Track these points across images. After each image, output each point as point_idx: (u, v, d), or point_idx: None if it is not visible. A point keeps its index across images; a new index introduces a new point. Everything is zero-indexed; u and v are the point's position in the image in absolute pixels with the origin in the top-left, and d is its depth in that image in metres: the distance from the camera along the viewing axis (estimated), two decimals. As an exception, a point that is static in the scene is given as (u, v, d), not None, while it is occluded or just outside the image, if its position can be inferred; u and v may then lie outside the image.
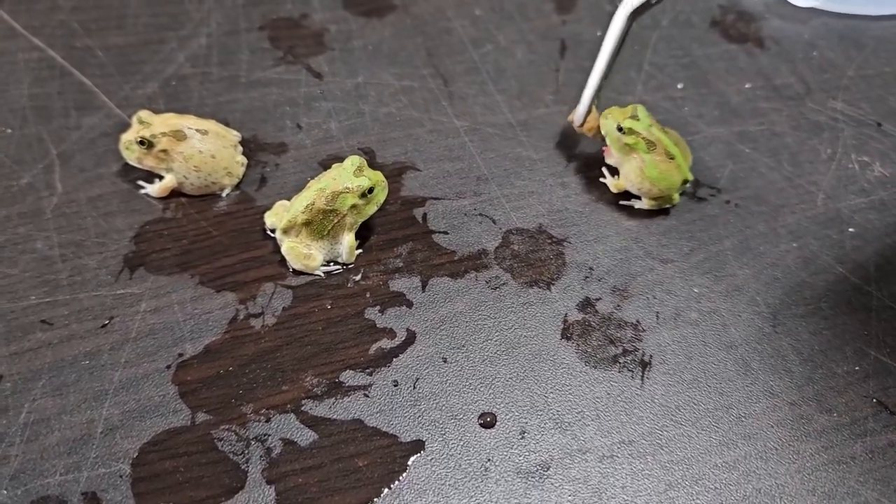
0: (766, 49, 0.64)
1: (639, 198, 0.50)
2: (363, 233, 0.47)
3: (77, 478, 0.37)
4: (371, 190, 0.44)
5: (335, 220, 0.44)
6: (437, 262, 0.47)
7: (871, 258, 0.49)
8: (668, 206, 0.50)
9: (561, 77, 0.59)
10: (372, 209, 0.46)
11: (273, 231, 0.47)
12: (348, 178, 0.44)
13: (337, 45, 0.60)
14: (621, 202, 0.51)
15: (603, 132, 0.49)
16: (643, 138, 0.47)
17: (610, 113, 0.49)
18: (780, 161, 0.55)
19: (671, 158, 0.48)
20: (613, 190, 0.51)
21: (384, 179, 0.45)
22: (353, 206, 0.44)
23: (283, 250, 0.45)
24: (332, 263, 0.46)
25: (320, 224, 0.44)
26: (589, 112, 0.51)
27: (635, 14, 0.44)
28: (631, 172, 0.49)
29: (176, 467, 0.38)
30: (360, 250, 0.47)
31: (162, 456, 0.38)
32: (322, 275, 0.46)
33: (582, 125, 0.51)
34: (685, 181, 0.49)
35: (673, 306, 0.46)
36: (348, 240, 0.45)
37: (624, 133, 0.48)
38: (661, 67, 0.60)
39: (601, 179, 0.52)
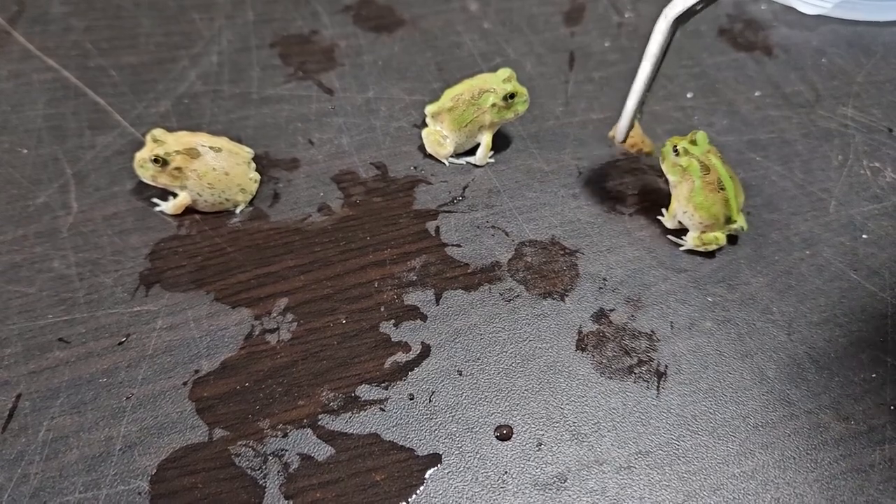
0: (775, 57, 0.64)
1: (685, 235, 0.49)
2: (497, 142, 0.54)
3: (96, 495, 0.37)
4: (513, 96, 0.50)
5: (475, 115, 0.51)
6: (450, 274, 0.47)
7: (885, 264, 0.49)
8: (714, 248, 0.48)
9: (570, 89, 0.59)
10: (509, 115, 0.51)
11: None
12: (496, 81, 0.51)
13: (347, 61, 0.60)
14: (670, 237, 0.50)
15: (661, 156, 0.49)
16: (697, 161, 0.47)
17: (671, 140, 0.48)
18: (791, 168, 0.55)
19: (721, 189, 0.47)
20: (667, 224, 0.50)
21: (527, 94, 0.51)
22: (494, 105, 0.50)
23: (423, 133, 0.53)
24: (461, 157, 0.53)
25: (461, 115, 0.51)
26: (631, 127, 0.49)
27: (679, 22, 0.41)
28: (680, 195, 0.48)
29: (194, 484, 0.38)
30: (492, 159, 0.53)
31: (180, 473, 0.38)
32: (446, 163, 0.53)
33: (624, 141, 0.50)
34: (732, 220, 0.48)
35: (687, 316, 0.46)
36: (486, 139, 0.52)
37: (678, 155, 0.48)
38: (671, 77, 0.61)
39: (658, 217, 0.51)
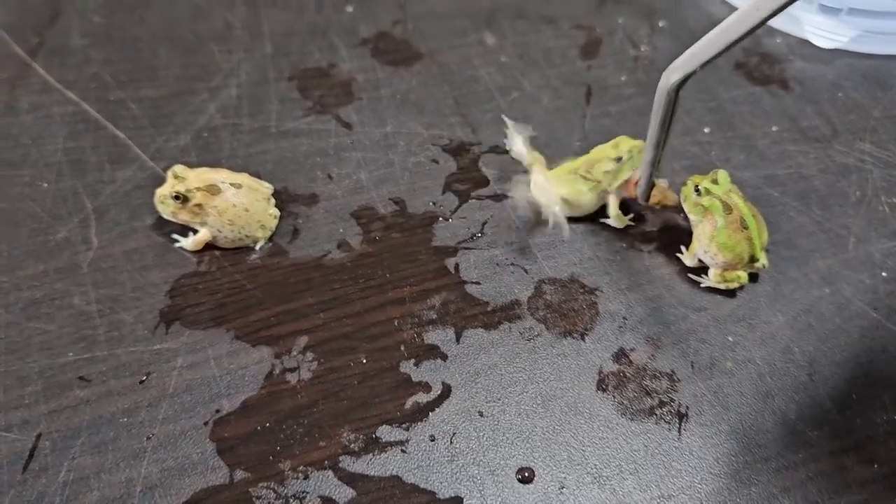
0: (791, 90, 0.64)
1: (706, 272, 0.49)
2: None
3: (117, 538, 0.37)
4: (620, 159, 0.50)
5: (604, 182, 0.50)
6: (470, 312, 0.47)
7: (905, 303, 0.49)
8: (735, 286, 0.48)
9: (587, 123, 0.59)
10: (626, 171, 0.50)
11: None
12: (607, 153, 0.50)
13: (365, 95, 0.60)
14: (690, 275, 0.50)
15: (682, 195, 0.49)
16: (720, 201, 0.47)
17: (693, 179, 0.49)
18: (808, 204, 0.55)
19: (745, 228, 0.47)
20: (687, 262, 0.50)
21: (636, 145, 0.50)
22: (607, 173, 0.50)
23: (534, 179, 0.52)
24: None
25: (573, 188, 0.50)
26: (652, 185, 0.49)
27: (680, 85, 0.41)
28: (703, 235, 0.48)
29: (215, 527, 0.38)
30: (632, 223, 0.52)
31: (201, 515, 0.38)
32: (551, 218, 0.50)
33: (647, 200, 0.50)
34: (755, 259, 0.48)
35: (708, 355, 0.46)
36: (613, 203, 0.51)
37: (700, 194, 0.48)
38: (688, 111, 0.61)
39: (677, 254, 0.51)
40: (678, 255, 0.50)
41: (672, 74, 0.40)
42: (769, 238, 0.51)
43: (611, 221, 0.52)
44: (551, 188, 0.51)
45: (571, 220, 0.51)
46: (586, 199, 0.51)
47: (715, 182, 0.48)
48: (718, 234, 0.47)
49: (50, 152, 0.54)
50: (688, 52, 0.39)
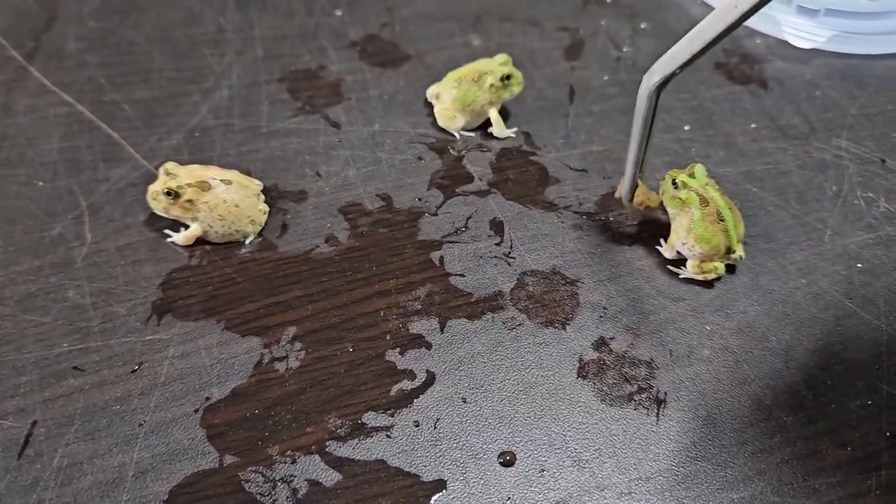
0: (770, 90, 0.65)
1: (685, 264, 0.50)
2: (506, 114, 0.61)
3: (110, 520, 0.38)
4: (509, 77, 0.57)
5: (476, 96, 0.57)
6: (454, 304, 0.48)
7: (880, 293, 0.50)
8: (713, 276, 0.50)
9: (570, 122, 0.61)
10: (506, 94, 0.58)
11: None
12: (494, 64, 0.58)
13: (353, 95, 0.62)
14: (669, 266, 0.51)
15: (660, 189, 0.50)
16: (696, 194, 0.48)
17: (670, 173, 0.50)
18: (786, 199, 0.56)
19: (721, 220, 0.48)
20: (666, 254, 0.51)
21: (521, 77, 0.58)
22: (492, 86, 0.57)
23: (436, 110, 0.59)
24: (471, 132, 0.60)
25: (464, 95, 0.57)
26: (636, 187, 0.50)
27: (660, 87, 0.42)
28: (680, 227, 0.49)
29: (205, 509, 0.39)
30: (511, 132, 0.60)
31: (192, 498, 0.39)
32: (457, 136, 0.59)
33: (631, 201, 0.51)
34: (731, 250, 0.49)
35: (686, 344, 0.47)
36: (493, 114, 0.59)
37: (677, 188, 0.49)
38: (669, 110, 0.62)
39: (657, 247, 0.52)
40: (657, 247, 0.52)
41: (652, 76, 0.41)
42: (747, 231, 0.53)
43: (494, 131, 0.59)
44: (444, 116, 0.59)
45: (549, 204, 0.54)
46: (480, 101, 0.58)
47: (692, 176, 0.49)
48: (695, 226, 0.48)
49: (45, 152, 0.55)
50: (667, 53, 0.40)
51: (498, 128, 0.59)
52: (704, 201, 0.48)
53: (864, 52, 0.69)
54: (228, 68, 0.63)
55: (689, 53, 0.39)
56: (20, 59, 0.63)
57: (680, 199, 0.49)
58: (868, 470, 0.42)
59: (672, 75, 0.40)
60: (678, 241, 0.50)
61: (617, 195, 0.51)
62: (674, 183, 0.49)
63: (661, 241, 0.52)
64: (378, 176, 0.56)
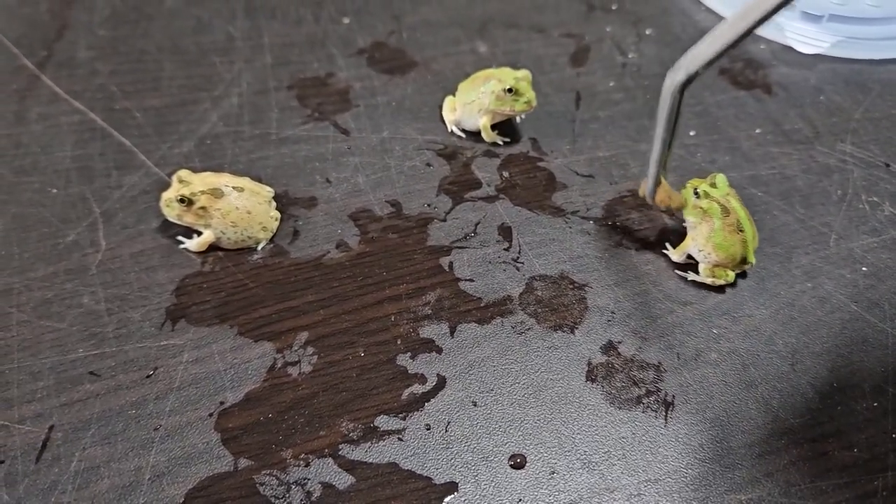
0: (774, 95, 0.66)
1: (695, 269, 0.51)
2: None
3: (127, 523, 0.39)
4: (511, 90, 0.55)
5: (477, 96, 0.57)
6: (464, 308, 0.49)
7: (885, 296, 0.51)
8: (722, 282, 0.50)
9: (577, 127, 0.62)
10: (505, 107, 0.56)
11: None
12: (510, 75, 0.56)
13: (362, 102, 0.63)
14: (677, 271, 0.51)
15: (682, 198, 0.50)
16: (718, 204, 0.49)
17: (691, 182, 0.50)
18: (791, 203, 0.56)
19: (741, 231, 0.48)
20: (674, 258, 0.51)
21: (533, 100, 0.57)
22: (493, 92, 0.56)
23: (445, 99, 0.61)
24: (463, 133, 0.61)
25: (468, 91, 0.58)
26: (658, 184, 0.49)
27: (685, 85, 0.41)
28: (699, 236, 0.49)
29: (221, 512, 0.39)
30: (501, 143, 0.60)
31: (207, 501, 0.40)
32: (449, 128, 0.60)
33: (653, 199, 0.50)
34: (746, 261, 0.49)
35: (693, 347, 0.48)
36: (483, 121, 0.58)
37: (699, 197, 0.49)
38: (674, 115, 0.63)
39: (664, 251, 0.52)
40: (664, 251, 0.52)
41: (676, 74, 0.41)
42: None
43: (484, 136, 0.59)
44: (447, 106, 0.61)
45: (557, 210, 0.54)
46: (477, 104, 0.57)
47: (713, 185, 0.50)
48: (715, 235, 0.49)
49: (58, 160, 0.56)
50: (690, 52, 0.40)
51: (484, 132, 0.59)
52: (726, 211, 0.49)
53: (868, 57, 0.69)
54: (238, 76, 0.64)
55: (714, 50, 0.38)
56: (32, 67, 0.63)
57: (702, 208, 0.49)
58: (874, 472, 0.42)
59: (696, 74, 0.40)
60: (694, 248, 0.50)
61: (640, 193, 0.51)
62: (696, 192, 0.50)
63: (667, 244, 0.52)
64: (387, 182, 0.56)
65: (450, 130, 0.60)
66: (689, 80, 0.41)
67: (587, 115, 0.63)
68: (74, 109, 0.60)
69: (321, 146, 0.59)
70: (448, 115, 0.60)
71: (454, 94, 0.61)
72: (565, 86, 0.66)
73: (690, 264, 0.51)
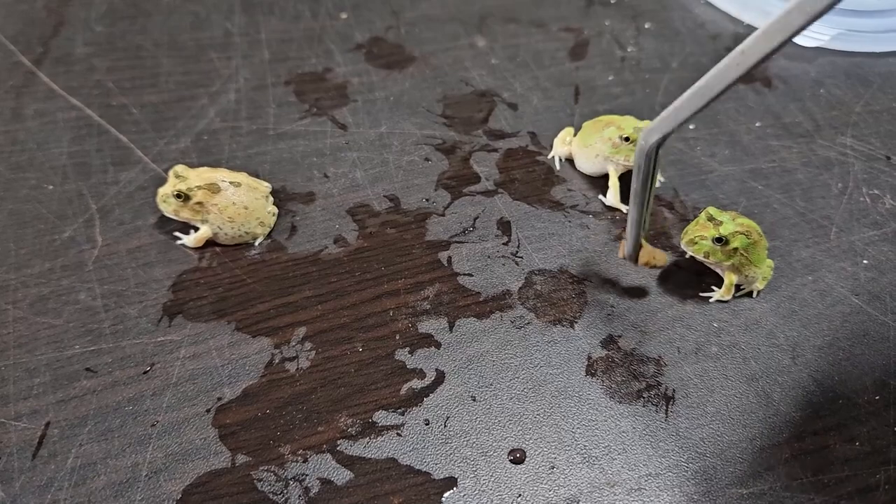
0: (774, 88, 0.66)
1: (714, 286, 0.50)
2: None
3: (124, 520, 0.39)
4: (628, 139, 0.53)
5: (594, 140, 0.55)
6: (463, 303, 0.48)
7: (886, 289, 0.50)
8: (761, 287, 0.50)
9: (576, 121, 0.61)
10: (619, 156, 0.54)
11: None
12: (631, 124, 0.54)
13: (360, 97, 0.62)
14: (701, 294, 0.50)
15: (699, 253, 0.48)
16: (738, 233, 0.47)
17: (688, 234, 0.48)
18: (792, 196, 0.56)
19: (760, 236, 0.48)
20: (724, 299, 0.49)
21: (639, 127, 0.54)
22: (609, 139, 0.54)
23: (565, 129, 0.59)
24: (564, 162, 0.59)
25: (587, 135, 0.56)
26: (640, 247, 0.47)
27: (659, 145, 0.40)
28: (742, 266, 0.48)
29: (218, 508, 0.39)
30: (623, 206, 0.55)
31: (204, 497, 0.39)
32: (550, 155, 0.59)
33: (636, 261, 0.47)
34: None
35: (693, 341, 0.47)
36: (612, 177, 0.55)
37: (726, 242, 0.47)
38: (673, 109, 0.62)
39: (710, 300, 0.50)
40: (703, 293, 0.50)
41: (650, 135, 0.40)
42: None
43: (605, 200, 0.55)
44: (561, 136, 0.58)
45: (556, 204, 0.53)
46: (594, 149, 0.55)
47: (719, 224, 0.48)
48: (753, 255, 0.48)
49: (55, 156, 0.56)
50: (666, 111, 0.38)
51: (612, 188, 0.55)
52: (748, 232, 0.47)
53: (868, 49, 0.69)
54: (235, 72, 0.64)
55: (689, 111, 0.37)
56: (29, 64, 0.63)
57: (733, 248, 0.47)
58: (876, 465, 0.42)
59: (669, 134, 0.39)
60: (740, 279, 0.49)
61: (620, 255, 0.48)
62: (718, 240, 0.47)
63: (713, 288, 0.50)
64: (385, 177, 0.56)
65: (550, 156, 0.59)
66: (664, 140, 0.40)
67: (586, 109, 0.62)
68: (71, 106, 0.60)
69: (319, 141, 0.58)
70: (558, 145, 0.58)
71: (573, 126, 0.59)
72: (564, 80, 0.65)
73: (708, 285, 0.50)
